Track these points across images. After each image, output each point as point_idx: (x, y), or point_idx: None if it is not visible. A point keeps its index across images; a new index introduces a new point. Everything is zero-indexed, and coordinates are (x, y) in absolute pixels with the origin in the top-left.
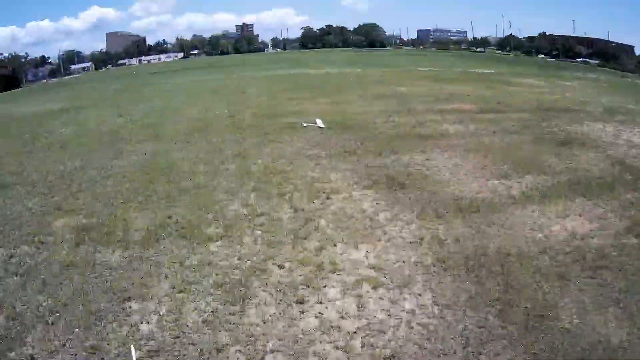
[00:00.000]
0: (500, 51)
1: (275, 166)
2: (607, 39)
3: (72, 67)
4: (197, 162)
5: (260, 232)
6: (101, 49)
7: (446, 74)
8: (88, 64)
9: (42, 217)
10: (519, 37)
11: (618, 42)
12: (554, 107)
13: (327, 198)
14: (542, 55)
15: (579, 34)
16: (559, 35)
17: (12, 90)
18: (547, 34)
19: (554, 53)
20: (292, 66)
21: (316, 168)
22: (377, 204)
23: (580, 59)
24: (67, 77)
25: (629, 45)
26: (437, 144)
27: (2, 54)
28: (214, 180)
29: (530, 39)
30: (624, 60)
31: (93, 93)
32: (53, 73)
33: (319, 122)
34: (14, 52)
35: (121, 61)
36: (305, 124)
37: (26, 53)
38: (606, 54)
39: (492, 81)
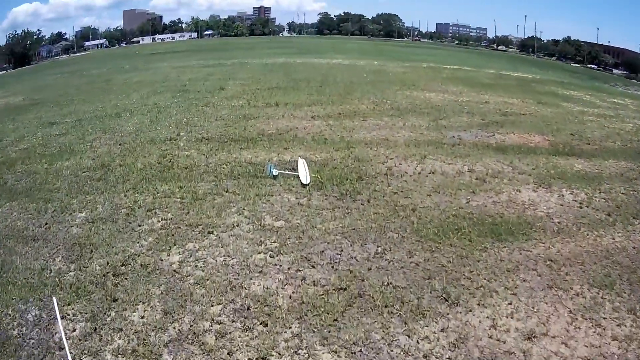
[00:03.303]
0: (523, 52)
1: None
2: (635, 50)
3: (87, 43)
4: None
5: None
6: (117, 26)
7: (479, 76)
8: (102, 41)
9: None
10: (542, 39)
11: None
12: None
13: None
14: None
15: (602, 42)
16: (584, 42)
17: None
18: (571, 38)
19: (577, 59)
20: (301, 53)
21: None
22: None
23: (595, 67)
24: (78, 53)
25: None
26: (530, 266)
27: (15, 31)
28: None
29: (555, 42)
30: None
31: (70, 80)
32: (67, 49)
33: (302, 169)
34: (27, 29)
35: (135, 39)
36: (276, 173)
37: (38, 30)
38: (635, 66)
39: (538, 92)
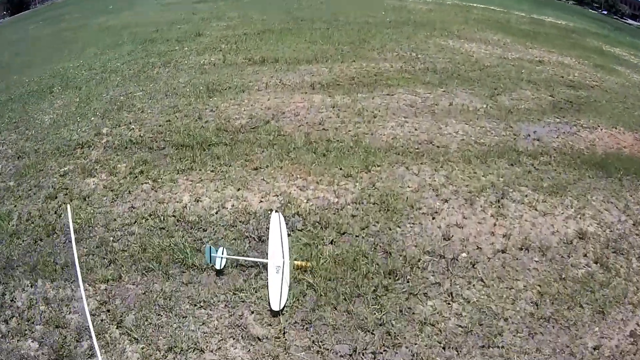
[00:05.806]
0: None
1: None
2: None
3: None
4: None
5: None
6: None
7: (512, 19)
8: None
9: None
10: None
11: None
12: None
13: None
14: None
15: None
16: None
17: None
18: None
19: (595, 6)
20: None
21: None
22: None
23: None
24: None
25: None
26: None
27: None
28: None
29: None
30: None
31: (43, 30)
32: None
33: (275, 247)
34: None
35: None
36: (220, 264)
37: None
38: None
39: (584, 47)
